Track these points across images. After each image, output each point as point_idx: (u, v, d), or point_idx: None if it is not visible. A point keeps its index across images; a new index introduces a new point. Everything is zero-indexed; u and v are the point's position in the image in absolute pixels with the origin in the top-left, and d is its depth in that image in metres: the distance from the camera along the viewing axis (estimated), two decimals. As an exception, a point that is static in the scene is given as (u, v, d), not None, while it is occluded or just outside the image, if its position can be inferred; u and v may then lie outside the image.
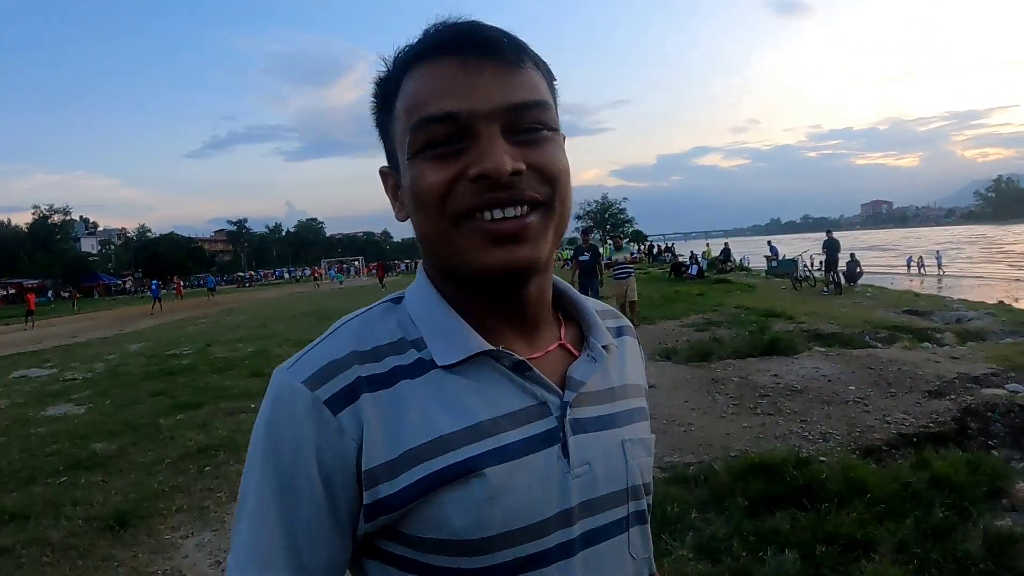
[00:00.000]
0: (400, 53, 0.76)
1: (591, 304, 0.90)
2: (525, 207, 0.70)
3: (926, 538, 3.68)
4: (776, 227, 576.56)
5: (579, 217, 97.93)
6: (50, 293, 73.48)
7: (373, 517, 0.71)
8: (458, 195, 0.70)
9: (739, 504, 4.25)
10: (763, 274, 31.22)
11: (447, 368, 0.74)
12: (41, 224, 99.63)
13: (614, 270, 13.46)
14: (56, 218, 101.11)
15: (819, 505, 4.11)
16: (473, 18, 0.74)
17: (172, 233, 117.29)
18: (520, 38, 0.75)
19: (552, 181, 0.72)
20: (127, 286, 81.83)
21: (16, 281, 75.81)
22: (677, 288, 22.87)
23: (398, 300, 0.82)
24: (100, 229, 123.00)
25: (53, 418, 9.23)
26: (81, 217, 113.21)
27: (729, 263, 34.59)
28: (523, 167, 0.69)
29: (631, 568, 0.81)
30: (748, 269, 36.83)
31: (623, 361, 0.89)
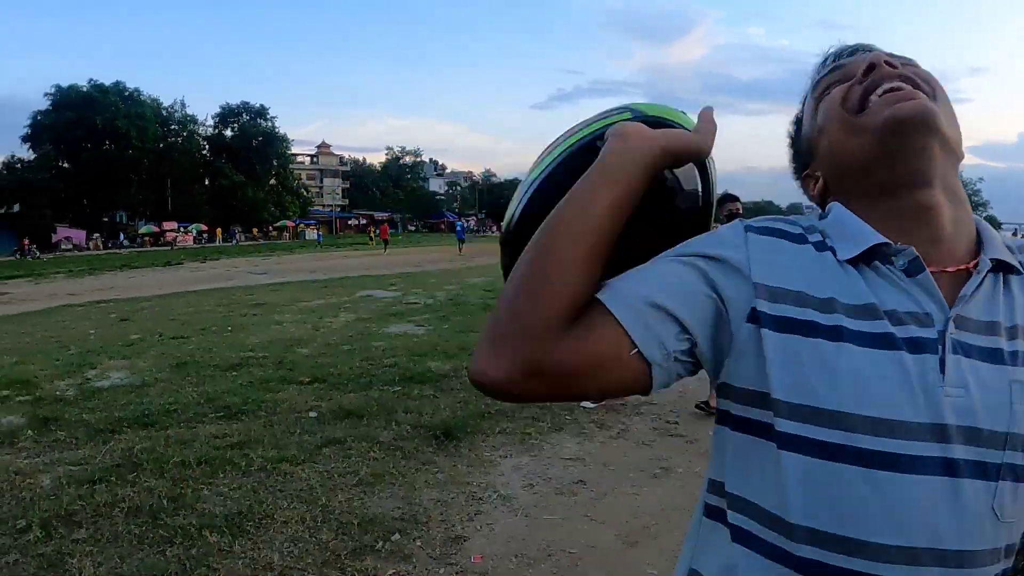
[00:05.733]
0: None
1: (1000, 236, 1.00)
2: (907, 83, 0.96)
3: None
4: None
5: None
6: (398, 226, 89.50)
7: (752, 319, 0.91)
8: (852, 95, 0.98)
9: None
10: None
11: (844, 262, 0.92)
12: (393, 164, 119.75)
13: None
14: (407, 159, 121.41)
15: None
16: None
17: (516, 179, 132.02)
18: None
19: (932, 87, 0.99)
20: (470, 225, 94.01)
21: (367, 213, 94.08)
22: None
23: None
24: (448, 171, 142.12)
25: (394, 335, 11.11)
26: (431, 159, 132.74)
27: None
28: (899, 64, 1.00)
29: (989, 526, 0.85)
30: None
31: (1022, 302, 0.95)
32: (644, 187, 0.97)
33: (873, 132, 0.93)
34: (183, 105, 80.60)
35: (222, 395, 7.42)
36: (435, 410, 6.77)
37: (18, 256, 51.60)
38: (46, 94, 68.77)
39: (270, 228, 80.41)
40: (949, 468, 0.82)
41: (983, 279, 0.91)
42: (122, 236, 66.74)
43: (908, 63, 0.99)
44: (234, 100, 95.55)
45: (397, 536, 4.25)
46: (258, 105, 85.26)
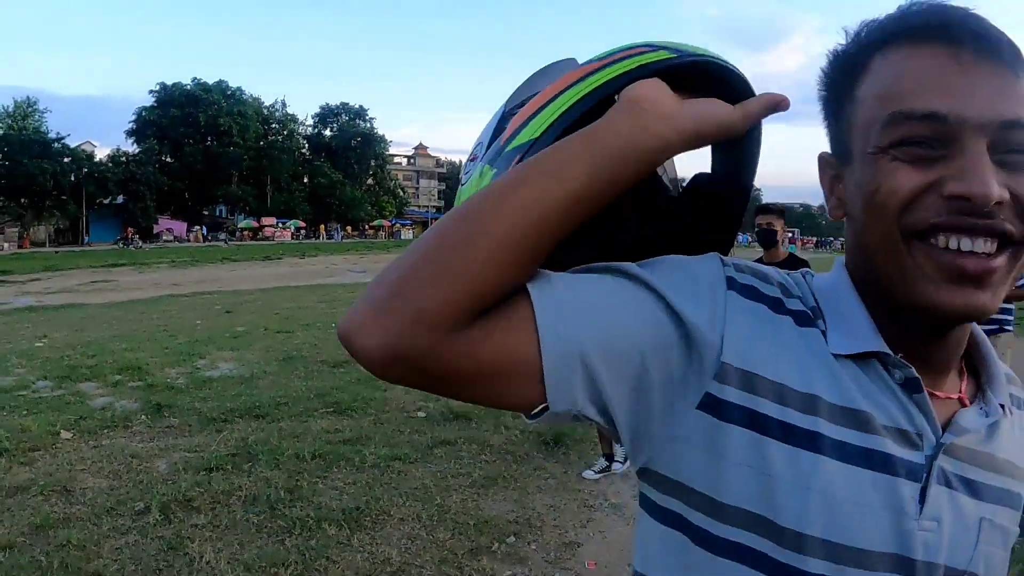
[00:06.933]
0: (869, 28, 0.80)
1: (999, 361, 0.90)
2: (995, 242, 0.72)
3: None
4: None
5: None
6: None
7: (707, 407, 0.77)
8: (922, 207, 0.72)
9: None
10: None
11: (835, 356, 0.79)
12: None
13: None
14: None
15: None
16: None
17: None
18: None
19: None
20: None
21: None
22: None
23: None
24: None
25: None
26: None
27: None
28: (1007, 196, 0.71)
29: None
30: None
31: (1012, 434, 0.88)
32: (643, 176, 0.78)
33: (910, 281, 0.75)
34: (284, 104, 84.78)
35: (331, 391, 7.67)
36: (543, 416, 6.82)
37: (121, 245, 54.30)
38: (150, 91, 72.79)
39: (366, 226, 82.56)
40: None
41: (986, 416, 0.84)
42: (204, 229, 69.50)
43: (1019, 173, 0.73)
44: (334, 100, 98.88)
45: (512, 539, 4.33)
46: (357, 106, 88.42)
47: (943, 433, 0.79)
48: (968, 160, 0.71)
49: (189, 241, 64.82)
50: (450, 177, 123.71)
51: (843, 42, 0.83)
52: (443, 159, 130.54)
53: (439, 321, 0.69)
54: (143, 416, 6.82)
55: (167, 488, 4.95)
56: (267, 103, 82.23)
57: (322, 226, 75.74)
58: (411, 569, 3.95)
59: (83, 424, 6.52)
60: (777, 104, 0.84)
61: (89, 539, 4.25)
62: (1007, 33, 0.75)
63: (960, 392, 0.85)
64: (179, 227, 68.64)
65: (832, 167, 0.86)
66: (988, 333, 7.84)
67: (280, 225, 72.25)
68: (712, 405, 0.76)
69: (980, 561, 0.80)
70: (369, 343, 0.70)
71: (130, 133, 71.54)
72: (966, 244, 0.71)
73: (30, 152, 55.46)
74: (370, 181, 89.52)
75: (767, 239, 5.27)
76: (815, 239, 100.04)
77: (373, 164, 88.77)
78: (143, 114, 71.08)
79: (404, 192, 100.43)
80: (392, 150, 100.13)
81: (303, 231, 74.27)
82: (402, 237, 67.58)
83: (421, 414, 6.88)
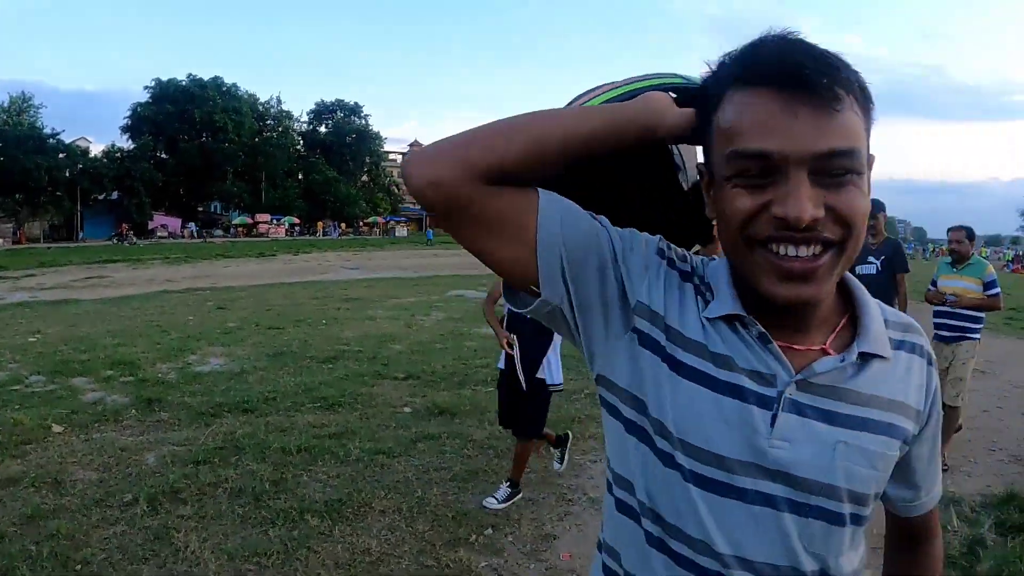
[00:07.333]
0: (722, 66, 1.00)
1: (880, 312, 1.10)
2: (819, 247, 0.93)
3: None
4: None
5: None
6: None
7: (634, 331, 1.06)
8: (758, 224, 0.94)
9: None
10: None
11: (709, 320, 1.04)
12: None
13: (933, 313, 7.17)
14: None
15: None
16: (803, 34, 0.94)
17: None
18: (841, 58, 0.93)
19: (848, 225, 0.93)
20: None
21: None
22: None
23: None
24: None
25: (485, 336, 11.22)
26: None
27: None
28: (822, 214, 0.90)
29: (799, 552, 1.02)
30: None
31: (891, 374, 1.07)
32: (634, 143, 1.05)
33: (755, 276, 0.97)
34: (279, 101, 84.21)
35: (319, 386, 7.78)
36: (525, 412, 6.89)
37: (116, 241, 54.17)
38: (145, 87, 72.34)
39: (361, 223, 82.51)
40: (768, 501, 1.00)
41: (842, 362, 1.03)
42: (193, 227, 69.02)
43: (837, 190, 0.92)
44: (329, 97, 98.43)
45: (490, 531, 4.44)
46: (352, 103, 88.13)
47: (796, 374, 1.01)
48: (789, 188, 0.91)
49: (183, 237, 64.68)
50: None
51: (708, 72, 1.03)
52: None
53: (476, 169, 0.97)
54: (133, 410, 6.94)
55: (155, 480, 5.07)
56: (262, 99, 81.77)
57: (319, 223, 75.67)
58: (390, 559, 4.06)
59: (74, 418, 6.63)
60: None
61: (78, 529, 4.35)
62: (832, 53, 0.93)
63: (825, 344, 1.05)
64: (174, 223, 68.38)
65: (706, 177, 1.06)
66: (951, 340, 7.51)
67: (274, 222, 72.15)
68: (637, 332, 1.06)
69: (840, 475, 1.01)
70: (425, 171, 0.97)
71: (125, 129, 70.99)
72: (791, 251, 0.93)
73: (25, 147, 55.11)
74: (365, 178, 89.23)
75: None
76: None
77: (368, 161, 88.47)
78: (138, 110, 70.51)
79: (399, 189, 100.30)
80: (387, 147, 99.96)
81: (297, 227, 74.19)
82: (396, 234, 67.65)
83: (407, 409, 7.00)
